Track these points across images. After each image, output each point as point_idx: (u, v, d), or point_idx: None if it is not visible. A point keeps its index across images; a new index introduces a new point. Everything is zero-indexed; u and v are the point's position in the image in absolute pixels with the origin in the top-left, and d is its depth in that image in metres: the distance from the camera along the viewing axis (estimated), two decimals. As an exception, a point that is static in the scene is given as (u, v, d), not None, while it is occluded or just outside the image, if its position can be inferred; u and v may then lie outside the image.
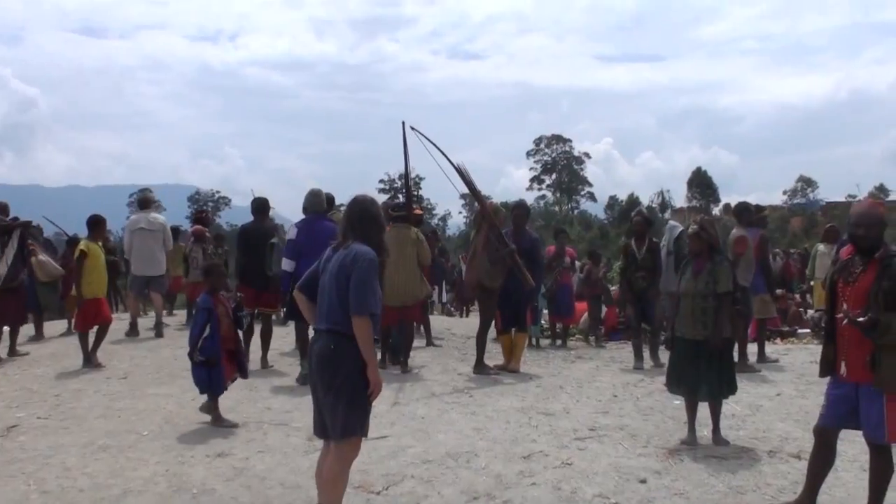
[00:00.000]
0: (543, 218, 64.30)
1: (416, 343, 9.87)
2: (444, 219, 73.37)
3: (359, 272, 3.77)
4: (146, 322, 11.41)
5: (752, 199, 12.71)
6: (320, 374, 3.88)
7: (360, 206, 4.00)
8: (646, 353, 9.01)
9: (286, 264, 7.73)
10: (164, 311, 14.11)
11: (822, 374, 4.29)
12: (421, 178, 74.12)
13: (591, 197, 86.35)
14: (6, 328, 9.56)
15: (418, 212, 9.82)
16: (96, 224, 9.05)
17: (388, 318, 7.96)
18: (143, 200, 11.47)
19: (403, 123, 8.16)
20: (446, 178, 8.28)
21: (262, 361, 8.48)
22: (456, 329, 12.36)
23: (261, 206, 9.05)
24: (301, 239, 7.64)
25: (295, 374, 7.94)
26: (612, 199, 78.76)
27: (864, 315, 3.92)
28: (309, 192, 8.10)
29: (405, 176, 9.02)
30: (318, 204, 8.01)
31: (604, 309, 12.11)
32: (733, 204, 9.45)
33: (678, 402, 6.44)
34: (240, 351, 6.37)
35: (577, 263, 12.95)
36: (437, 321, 12.76)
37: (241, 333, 6.54)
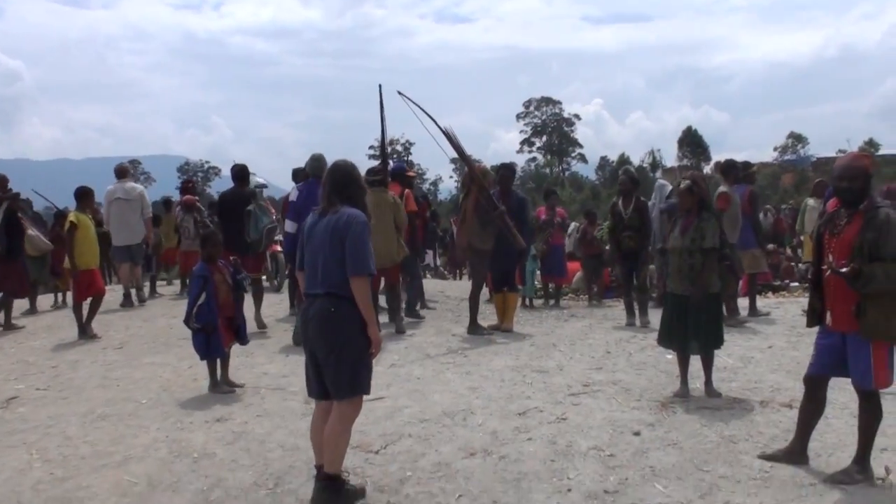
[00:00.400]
0: (534, 180, 64.29)
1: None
2: (435, 183, 73.22)
3: (354, 234, 3.82)
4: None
5: (743, 157, 12.75)
6: (322, 336, 3.91)
7: (343, 170, 4.04)
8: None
9: (289, 225, 8.03)
10: (164, 282, 14.21)
11: (809, 324, 4.36)
12: (411, 144, 73.93)
13: (582, 158, 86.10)
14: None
15: (411, 174, 9.91)
16: (84, 195, 9.03)
17: (379, 279, 8.54)
18: (119, 170, 11.46)
19: (380, 87, 8.24)
20: (436, 144, 8.33)
21: (257, 319, 8.68)
22: (449, 291, 12.43)
23: (240, 173, 9.16)
24: (300, 201, 7.93)
25: (289, 341, 8.02)
26: (603, 159, 78.59)
27: (847, 266, 3.97)
28: (311, 156, 8.27)
29: (382, 140, 9.15)
30: (319, 168, 8.15)
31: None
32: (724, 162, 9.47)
33: (670, 356, 6.53)
34: (238, 318, 6.40)
35: (573, 224, 12.98)
36: (431, 284, 12.80)
37: (245, 297, 6.64)
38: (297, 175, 9.34)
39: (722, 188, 8.76)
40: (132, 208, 10.79)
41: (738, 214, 8.58)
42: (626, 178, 9.29)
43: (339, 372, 3.89)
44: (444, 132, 8.15)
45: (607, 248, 12.06)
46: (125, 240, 10.86)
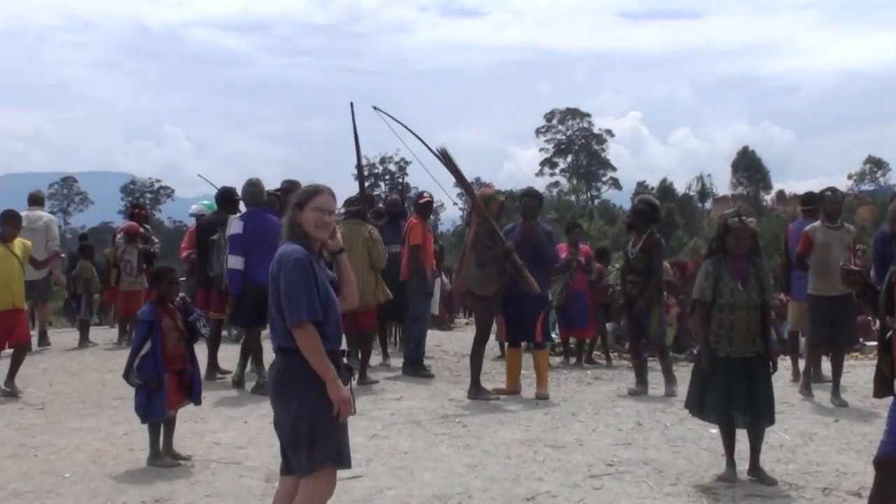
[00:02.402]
0: (556, 209, 64.58)
1: (377, 361, 10.35)
2: (435, 211, 73.61)
3: (284, 277, 3.92)
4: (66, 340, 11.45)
5: (811, 186, 12.82)
6: (275, 400, 4.00)
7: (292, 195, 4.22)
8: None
9: (233, 261, 8.37)
10: (107, 326, 14.25)
11: (877, 394, 4.35)
12: (407, 163, 74.73)
13: (615, 184, 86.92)
14: None
15: (425, 200, 10.19)
16: (4, 220, 9.10)
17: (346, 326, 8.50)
18: (33, 198, 11.92)
19: (351, 105, 8.61)
20: (428, 164, 8.58)
21: (208, 371, 8.84)
22: (447, 345, 12.47)
23: (224, 197, 9.50)
24: (248, 233, 8.32)
25: (250, 400, 8.05)
26: (641, 186, 79.04)
27: None
28: (247, 183, 8.69)
29: (358, 166, 9.62)
30: (258, 196, 8.64)
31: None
32: (788, 191, 9.60)
33: (715, 430, 6.52)
34: (190, 372, 6.39)
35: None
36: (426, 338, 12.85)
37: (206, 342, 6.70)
38: (225, 202, 9.46)
39: (805, 226, 8.93)
40: (36, 239, 10.88)
41: (828, 259, 8.46)
42: (637, 208, 9.29)
43: (296, 442, 3.92)
44: (433, 151, 8.31)
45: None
46: (27, 275, 10.98)
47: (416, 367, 9.76)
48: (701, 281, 5.95)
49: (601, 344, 11.97)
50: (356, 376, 4.59)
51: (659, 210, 9.43)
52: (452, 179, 8.77)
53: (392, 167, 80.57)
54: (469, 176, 9.64)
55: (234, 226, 8.53)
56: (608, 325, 12.16)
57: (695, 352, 12.42)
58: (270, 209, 8.65)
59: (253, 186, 8.66)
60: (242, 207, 9.13)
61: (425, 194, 10.30)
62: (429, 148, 8.36)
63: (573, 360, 11.55)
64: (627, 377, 10.02)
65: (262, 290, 8.55)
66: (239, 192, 9.11)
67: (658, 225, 9.37)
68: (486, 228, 8.40)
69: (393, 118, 8.40)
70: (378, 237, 9.15)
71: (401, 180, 79.68)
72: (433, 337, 13.60)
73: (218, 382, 9.10)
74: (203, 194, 14.18)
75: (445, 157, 8.36)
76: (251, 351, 8.77)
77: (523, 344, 9.26)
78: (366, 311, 8.97)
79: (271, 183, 9.22)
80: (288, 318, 3.89)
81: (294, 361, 3.90)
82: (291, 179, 8.87)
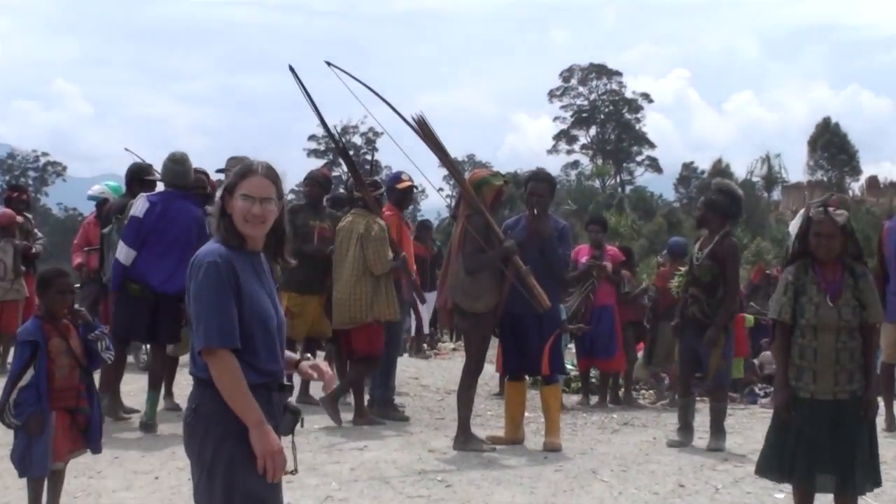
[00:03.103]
0: (575, 198, 64.59)
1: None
2: (413, 200, 73.60)
3: (193, 287, 3.97)
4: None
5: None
6: (187, 448, 4.03)
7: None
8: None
9: (122, 252, 8.54)
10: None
11: None
12: (377, 135, 74.63)
13: (654, 165, 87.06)
14: None
15: (404, 184, 10.22)
16: None
17: (342, 346, 9.70)
18: None
19: (292, 69, 8.63)
20: (408, 139, 8.67)
21: (108, 407, 8.79)
22: (427, 377, 12.50)
23: (135, 175, 9.62)
24: (151, 220, 8.49)
25: (164, 447, 8.05)
26: (688, 168, 79.33)
27: None
28: (168, 158, 8.86)
29: (329, 134, 9.57)
30: (181, 176, 8.81)
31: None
32: (883, 177, 9.63)
33: (781, 495, 6.56)
34: (87, 411, 6.31)
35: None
36: (401, 367, 12.86)
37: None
38: (136, 182, 9.58)
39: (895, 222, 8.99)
40: None
41: None
42: (710, 200, 9.13)
43: (211, 501, 3.94)
44: (406, 121, 8.38)
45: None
46: None
47: (383, 407, 9.81)
48: (779, 295, 5.92)
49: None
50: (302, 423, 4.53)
51: (740, 202, 9.20)
52: (435, 157, 8.82)
53: (357, 140, 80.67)
54: (459, 153, 9.70)
55: (137, 206, 8.64)
56: (640, 355, 12.24)
57: (757, 390, 12.58)
58: (195, 195, 8.69)
59: (176, 163, 8.77)
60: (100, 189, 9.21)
61: (403, 176, 10.23)
62: (401, 116, 8.42)
63: (595, 398, 11.64)
64: (667, 422, 10.10)
65: (158, 296, 8.78)
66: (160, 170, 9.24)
67: (736, 223, 9.23)
68: (478, 223, 8.42)
69: (353, 77, 8.43)
70: (380, 234, 9.25)
71: (369, 157, 79.77)
72: (409, 366, 13.63)
73: (121, 425, 9.09)
74: (108, 173, 14.16)
75: (423, 128, 8.42)
76: (150, 376, 8.93)
77: (528, 378, 9.28)
78: (358, 329, 9.27)
79: (201, 155, 9.26)
80: (194, 340, 3.93)
81: (210, 396, 3.93)
82: (240, 157, 8.85)
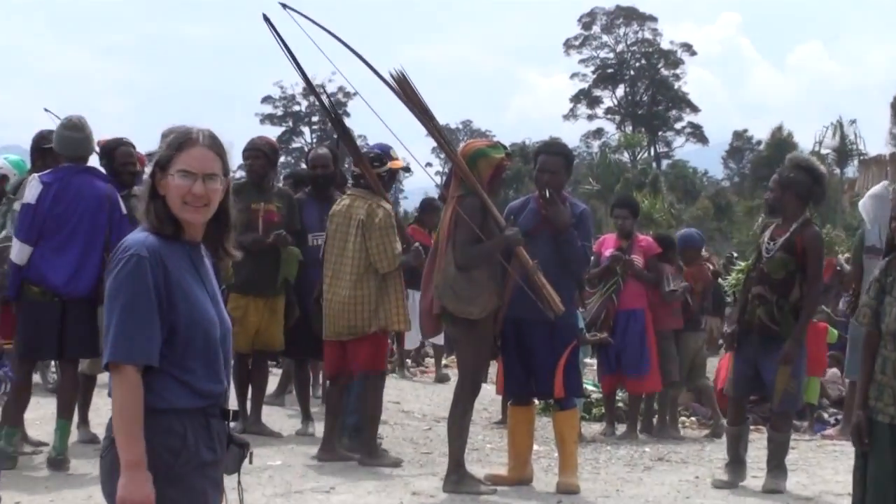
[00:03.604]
0: (599, 175, 64.68)
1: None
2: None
3: (109, 288, 3.96)
4: None
5: None
6: (104, 486, 4.05)
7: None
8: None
9: (16, 250, 8.51)
10: None
11: None
12: (348, 96, 74.37)
13: (697, 134, 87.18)
14: None
15: (396, 164, 10.07)
16: None
17: (329, 363, 9.58)
18: None
19: (266, 18, 8.70)
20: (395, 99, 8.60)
21: (4, 440, 8.77)
22: (411, 401, 12.50)
23: (37, 145, 9.81)
24: (46, 205, 8.43)
25: (77, 476, 8.12)
26: (741, 137, 79.45)
27: None
28: (61, 125, 8.88)
29: (316, 95, 9.40)
30: (78, 144, 8.76)
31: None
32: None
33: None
34: None
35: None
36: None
37: None
38: (38, 150, 9.70)
39: None
40: None
41: None
42: (787, 178, 9.03)
43: None
44: (383, 78, 8.45)
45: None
46: None
47: (358, 440, 9.76)
48: (866, 297, 6.01)
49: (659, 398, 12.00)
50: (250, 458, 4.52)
51: (824, 180, 9.18)
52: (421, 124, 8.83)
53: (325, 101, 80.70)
54: (452, 119, 9.69)
55: (29, 191, 8.58)
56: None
57: (826, 416, 12.56)
58: (101, 169, 8.86)
59: (72, 129, 8.73)
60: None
61: (393, 153, 10.09)
62: (375, 71, 8.47)
63: (622, 427, 11.65)
64: (712, 457, 10.12)
65: (65, 300, 8.70)
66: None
67: (819, 206, 9.16)
68: (473, 206, 8.39)
69: (315, 23, 8.39)
70: (386, 220, 9.16)
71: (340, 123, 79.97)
72: (388, 388, 13.56)
73: (25, 461, 9.01)
74: (11, 144, 14.15)
75: (404, 88, 8.45)
76: (59, 400, 8.90)
77: (537, 402, 9.24)
78: (358, 341, 9.18)
79: (115, 124, 9.26)
80: (104, 351, 3.92)
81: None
82: (179, 127, 8.75)
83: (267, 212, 10.20)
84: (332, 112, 10.52)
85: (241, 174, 11.52)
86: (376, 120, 9.05)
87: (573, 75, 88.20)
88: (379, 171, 9.46)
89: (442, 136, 8.91)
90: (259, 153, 10.50)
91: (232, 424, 4.18)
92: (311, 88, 9.93)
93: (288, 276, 10.22)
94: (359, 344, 9.17)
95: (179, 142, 4.00)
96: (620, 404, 11.88)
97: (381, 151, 9.75)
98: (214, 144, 4.04)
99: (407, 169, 11.20)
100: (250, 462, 4.11)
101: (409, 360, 17.12)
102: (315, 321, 9.62)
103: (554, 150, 9.26)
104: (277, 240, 9.86)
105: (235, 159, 4.74)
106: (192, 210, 3.97)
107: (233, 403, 4.26)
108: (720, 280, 14.16)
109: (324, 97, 10.56)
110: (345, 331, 9.18)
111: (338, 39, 8.43)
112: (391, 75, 8.48)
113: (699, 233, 13.31)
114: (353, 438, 9.77)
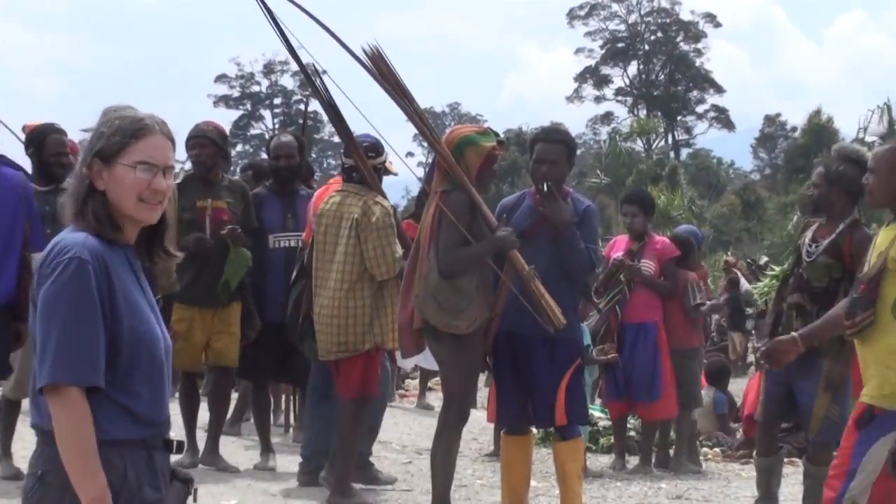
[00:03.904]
0: (608, 167, 64.97)
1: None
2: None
3: (44, 298, 3.88)
4: None
5: None
6: None
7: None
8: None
9: None
10: None
11: None
12: (316, 75, 74.00)
13: (722, 119, 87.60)
14: None
15: (388, 166, 10.22)
16: None
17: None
18: None
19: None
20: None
21: None
22: (389, 431, 12.52)
23: None
24: None
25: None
26: (773, 122, 79.86)
27: None
28: None
29: (307, 75, 9.78)
30: None
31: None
32: None
33: None
34: None
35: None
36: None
37: None
38: None
39: None
40: None
41: None
42: (834, 172, 9.07)
43: None
44: (354, 54, 8.51)
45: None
46: None
47: (360, 469, 9.81)
48: None
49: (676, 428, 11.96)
50: (195, 496, 4.42)
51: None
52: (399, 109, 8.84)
53: (288, 81, 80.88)
54: (437, 102, 9.67)
55: None
56: (703, 393, 12.19)
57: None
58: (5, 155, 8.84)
59: None
60: None
61: (378, 149, 10.01)
62: (343, 45, 8.53)
63: (634, 460, 11.60)
64: (739, 494, 10.12)
65: None
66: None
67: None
68: (459, 202, 8.36)
69: None
70: (384, 220, 9.11)
71: (304, 108, 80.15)
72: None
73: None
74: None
75: (379, 66, 8.45)
76: None
77: (535, 431, 9.17)
78: (350, 360, 9.20)
79: (56, 113, 9.28)
80: (37, 372, 3.84)
81: (56, 458, 3.84)
82: (121, 108, 8.72)
83: (215, 209, 10.09)
84: (322, 94, 10.31)
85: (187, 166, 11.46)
86: (349, 103, 9.07)
87: (578, 50, 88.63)
88: (374, 163, 9.47)
89: (423, 121, 8.84)
90: (206, 140, 10.39)
91: (178, 457, 4.14)
92: (302, 69, 9.81)
93: (230, 279, 10.01)
94: (350, 364, 9.14)
95: (134, 129, 3.98)
96: (632, 433, 11.82)
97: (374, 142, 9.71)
98: (169, 132, 4.05)
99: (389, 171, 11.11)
100: (195, 501, 4.10)
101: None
102: (302, 341, 9.57)
103: (553, 137, 9.19)
104: (230, 234, 9.74)
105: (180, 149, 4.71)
106: (149, 208, 3.97)
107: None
108: (748, 287, 14.13)
109: (316, 79, 10.44)
110: (334, 348, 9.15)
111: (301, 8, 8.39)
112: (364, 51, 8.46)
113: (696, 231, 13.26)
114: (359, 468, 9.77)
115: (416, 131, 9.35)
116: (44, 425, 3.87)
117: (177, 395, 10.89)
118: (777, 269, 9.74)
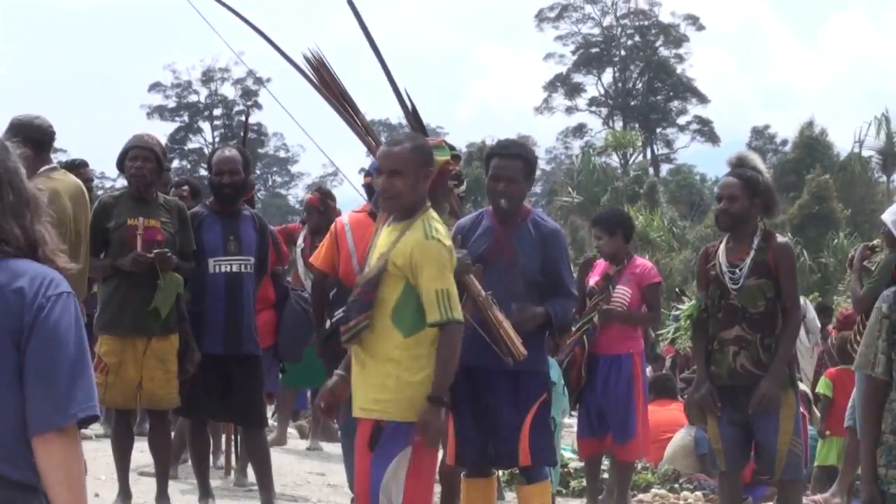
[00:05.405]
0: (580, 185, 64.99)
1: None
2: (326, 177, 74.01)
3: (47, 330, 3.76)
4: None
5: None
6: None
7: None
8: None
9: None
10: None
11: None
12: (259, 81, 74.42)
13: (705, 132, 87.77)
14: None
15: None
16: None
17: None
18: None
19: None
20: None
21: None
22: (336, 473, 12.59)
23: None
24: None
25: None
26: (761, 135, 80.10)
27: None
28: None
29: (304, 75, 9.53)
30: None
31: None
32: None
33: None
34: None
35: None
36: (297, 458, 12.80)
37: None
38: None
39: None
40: None
41: None
42: (749, 183, 9.22)
43: None
44: (290, 60, 8.69)
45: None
46: None
47: None
48: (870, 337, 6.12)
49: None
50: None
51: (772, 190, 9.47)
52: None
53: (229, 91, 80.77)
54: (390, 113, 9.66)
55: None
56: (683, 432, 12.25)
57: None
58: None
59: None
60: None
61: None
62: (280, 51, 8.72)
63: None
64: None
65: None
66: None
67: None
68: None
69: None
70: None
71: (246, 118, 79.92)
72: (312, 456, 13.57)
73: None
74: None
75: (320, 74, 8.53)
76: None
77: (498, 473, 9.18)
78: None
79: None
80: (52, 411, 3.72)
81: None
82: (32, 117, 8.69)
83: (148, 229, 9.95)
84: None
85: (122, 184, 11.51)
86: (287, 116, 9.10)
87: (548, 56, 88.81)
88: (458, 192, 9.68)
89: (370, 134, 8.83)
90: (150, 154, 10.28)
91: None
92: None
93: (160, 307, 9.89)
94: None
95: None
96: (606, 475, 11.83)
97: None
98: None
99: (331, 172, 11.13)
100: None
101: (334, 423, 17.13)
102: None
103: (509, 151, 9.18)
104: (158, 257, 9.62)
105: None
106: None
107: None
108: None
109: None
110: None
111: (232, 11, 8.42)
112: (305, 57, 8.47)
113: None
114: None
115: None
116: (15, 475, 3.76)
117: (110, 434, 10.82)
118: (683, 306, 9.73)
